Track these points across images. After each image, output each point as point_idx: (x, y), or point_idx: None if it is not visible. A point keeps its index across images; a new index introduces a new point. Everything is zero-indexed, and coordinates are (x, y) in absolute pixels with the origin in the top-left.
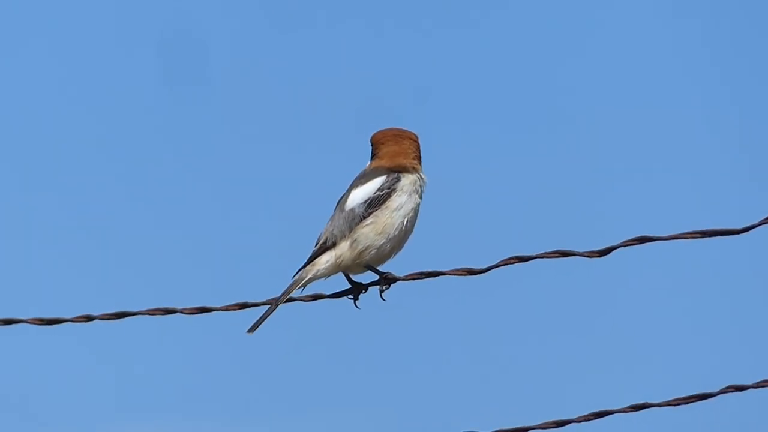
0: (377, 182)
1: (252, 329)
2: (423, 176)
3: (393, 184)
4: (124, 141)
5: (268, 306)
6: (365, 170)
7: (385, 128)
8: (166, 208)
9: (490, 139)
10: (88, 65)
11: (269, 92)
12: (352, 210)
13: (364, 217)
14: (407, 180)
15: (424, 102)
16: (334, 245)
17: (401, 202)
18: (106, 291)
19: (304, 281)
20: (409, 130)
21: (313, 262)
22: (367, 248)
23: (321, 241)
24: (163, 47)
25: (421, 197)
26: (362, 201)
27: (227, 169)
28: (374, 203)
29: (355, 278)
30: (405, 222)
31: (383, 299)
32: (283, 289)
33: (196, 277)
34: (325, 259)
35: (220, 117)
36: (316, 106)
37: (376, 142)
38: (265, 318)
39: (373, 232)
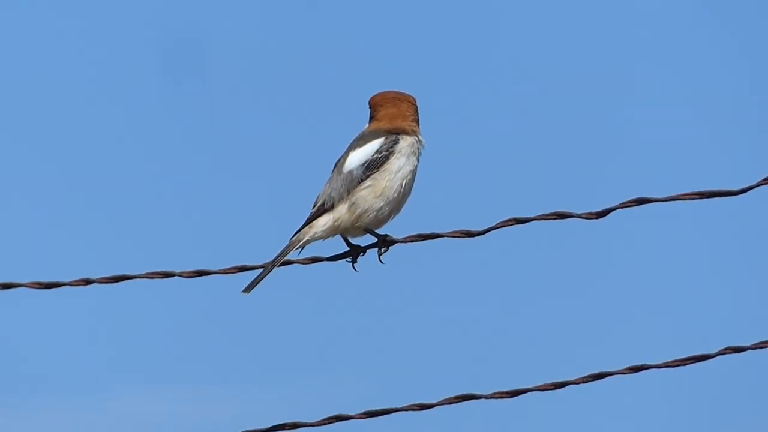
0: (375, 144)
1: (247, 290)
2: (421, 139)
3: (391, 147)
4: (124, 139)
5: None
6: (363, 132)
7: (384, 90)
8: (163, 175)
9: (487, 101)
10: (88, 65)
11: (269, 91)
12: (351, 172)
13: (363, 180)
14: (405, 142)
15: (407, 79)
16: (332, 208)
17: (400, 164)
18: (104, 254)
19: (300, 243)
20: (407, 93)
21: (310, 225)
22: (365, 211)
23: (318, 204)
24: (163, 47)
25: (418, 160)
26: (360, 163)
27: (226, 161)
28: (372, 165)
29: (354, 241)
30: (403, 184)
31: (381, 262)
32: (280, 251)
33: (194, 241)
34: (323, 222)
35: (219, 114)
36: (316, 105)
37: (375, 105)
38: (261, 279)
39: (371, 194)
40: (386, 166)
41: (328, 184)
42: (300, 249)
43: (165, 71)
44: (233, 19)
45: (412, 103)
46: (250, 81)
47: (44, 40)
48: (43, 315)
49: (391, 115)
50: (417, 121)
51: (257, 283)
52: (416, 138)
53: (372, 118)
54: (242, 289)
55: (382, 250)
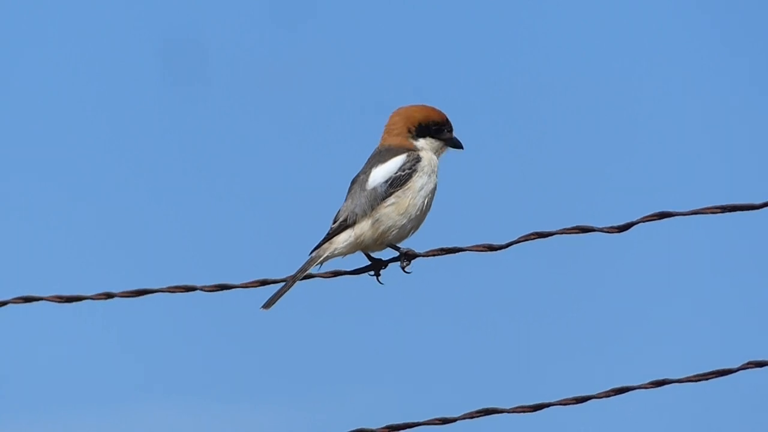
0: (398, 161)
1: (268, 305)
2: (434, 156)
3: (414, 165)
4: (124, 138)
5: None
6: (378, 148)
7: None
8: (184, 190)
9: (510, 115)
10: (88, 64)
11: (268, 90)
12: (374, 189)
13: (386, 197)
14: (425, 161)
15: (428, 92)
16: (354, 224)
17: (422, 182)
18: (125, 269)
19: (321, 259)
20: (420, 106)
21: (330, 240)
22: (390, 228)
23: (340, 219)
24: (163, 45)
25: (437, 177)
26: (384, 180)
27: (241, 164)
28: (396, 183)
29: (375, 255)
30: (425, 202)
31: (407, 272)
32: (300, 267)
33: (216, 255)
34: (344, 238)
35: (221, 114)
36: (315, 104)
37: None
38: (282, 294)
39: (395, 212)
40: (409, 183)
41: (350, 200)
42: (320, 265)
43: (165, 73)
44: (233, 19)
45: (401, 114)
46: (253, 83)
47: (43, 40)
48: (64, 329)
49: (385, 132)
50: (403, 134)
51: (277, 299)
52: (430, 155)
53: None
54: (262, 305)
55: (405, 263)
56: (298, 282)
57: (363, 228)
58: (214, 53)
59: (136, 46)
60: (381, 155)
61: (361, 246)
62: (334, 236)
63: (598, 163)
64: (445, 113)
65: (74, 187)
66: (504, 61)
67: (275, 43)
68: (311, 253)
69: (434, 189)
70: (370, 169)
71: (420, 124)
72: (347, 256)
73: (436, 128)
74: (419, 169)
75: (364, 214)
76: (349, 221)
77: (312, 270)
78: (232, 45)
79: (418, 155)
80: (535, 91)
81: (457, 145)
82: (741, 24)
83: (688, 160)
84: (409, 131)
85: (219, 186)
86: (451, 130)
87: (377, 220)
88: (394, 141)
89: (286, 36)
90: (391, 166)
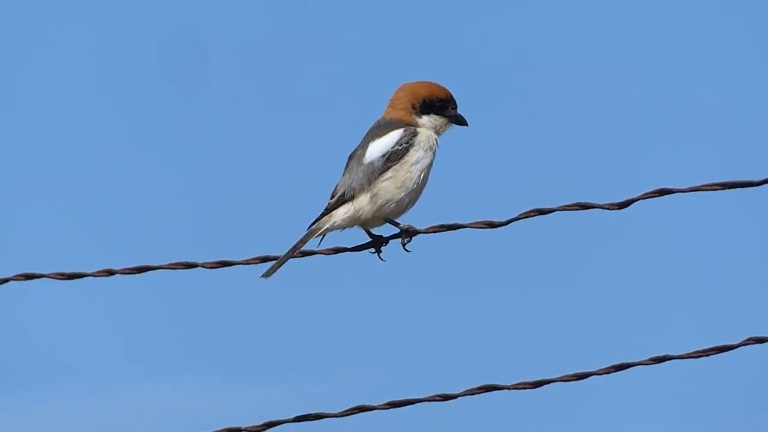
0: (395, 136)
1: (267, 275)
2: (433, 134)
3: (411, 139)
4: (123, 136)
5: (291, 258)
6: (379, 121)
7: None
8: (183, 167)
9: (509, 91)
10: (87, 64)
11: (268, 91)
12: (371, 163)
13: (384, 171)
14: (423, 135)
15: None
16: (352, 198)
17: (419, 156)
18: (126, 245)
19: (320, 231)
20: (424, 82)
21: (330, 214)
22: (387, 201)
23: (339, 194)
24: (162, 46)
25: (434, 154)
26: (381, 155)
27: (241, 151)
28: (393, 157)
29: (375, 231)
30: (421, 176)
31: (407, 250)
32: (299, 238)
33: (217, 232)
34: (343, 212)
35: (220, 113)
36: (315, 104)
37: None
38: (281, 264)
39: (393, 185)
40: (406, 158)
41: (347, 175)
42: (322, 237)
43: (164, 71)
44: (233, 18)
45: (406, 91)
46: (252, 75)
47: (43, 40)
48: (65, 306)
49: (388, 107)
50: (407, 109)
51: (277, 269)
52: (429, 132)
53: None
54: (261, 275)
55: (406, 240)
56: (298, 254)
57: (362, 202)
58: (213, 53)
59: (135, 46)
60: (379, 129)
61: (360, 221)
62: (333, 210)
63: (598, 139)
64: (449, 90)
65: (74, 167)
66: (505, 38)
67: (275, 43)
68: (310, 226)
69: (430, 164)
70: (368, 143)
71: (424, 101)
72: (347, 230)
73: (440, 105)
74: (416, 143)
75: (362, 189)
76: (347, 196)
77: (312, 244)
78: (232, 45)
79: (415, 130)
80: (535, 68)
81: (461, 121)
82: (742, 6)
83: (688, 136)
84: (414, 107)
85: (220, 165)
86: (455, 107)
87: (375, 194)
88: (395, 115)
89: (287, 36)
90: (388, 140)
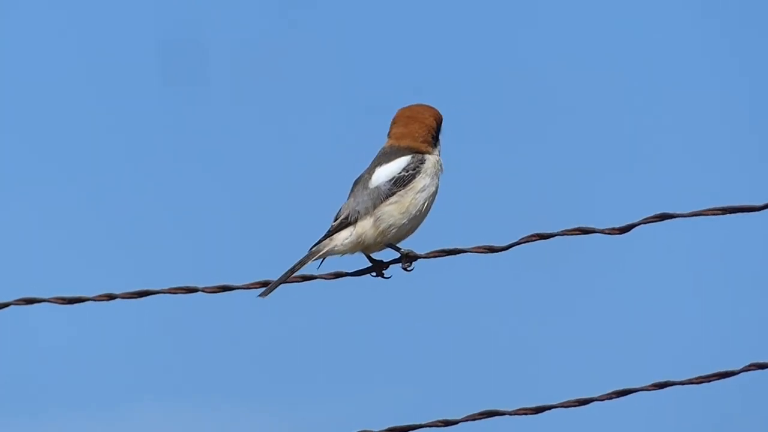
0: (402, 162)
1: (264, 293)
2: (439, 159)
3: (418, 165)
4: (123, 139)
5: (291, 283)
6: (384, 148)
7: (407, 105)
8: (185, 191)
9: (509, 116)
10: (87, 64)
11: (268, 91)
12: (377, 188)
13: (389, 196)
14: (430, 162)
15: (427, 92)
16: (356, 221)
17: (425, 183)
18: (127, 270)
19: (321, 253)
20: (429, 108)
21: (331, 237)
22: (390, 226)
23: (342, 217)
24: (161, 46)
25: (439, 180)
26: (387, 179)
27: (241, 164)
28: (399, 183)
29: (375, 256)
30: (425, 204)
31: (408, 270)
32: (298, 259)
33: (217, 256)
34: (345, 235)
35: (220, 114)
36: (316, 104)
37: (393, 121)
38: (279, 283)
39: (397, 210)
40: (413, 184)
41: (352, 198)
42: (322, 260)
43: (164, 74)
44: (233, 19)
45: (425, 122)
46: (253, 84)
47: (42, 40)
48: (65, 330)
49: (400, 135)
50: (429, 141)
51: (274, 288)
52: (437, 159)
53: (388, 134)
54: (259, 294)
55: (406, 265)
56: (298, 278)
57: (365, 226)
58: (213, 53)
59: (134, 46)
60: (386, 156)
61: (362, 245)
62: (335, 233)
63: (599, 164)
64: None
65: (75, 188)
66: (505, 60)
67: (275, 43)
68: (311, 248)
69: (435, 192)
70: (374, 168)
71: (436, 128)
72: (347, 255)
73: (440, 127)
74: (423, 170)
75: (366, 212)
76: (350, 219)
77: (311, 268)
78: (231, 45)
79: (423, 157)
80: (536, 91)
81: None
82: (743, 25)
83: (689, 161)
84: (432, 136)
85: (220, 186)
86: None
87: (378, 218)
88: (404, 143)
89: (287, 37)
90: (395, 166)
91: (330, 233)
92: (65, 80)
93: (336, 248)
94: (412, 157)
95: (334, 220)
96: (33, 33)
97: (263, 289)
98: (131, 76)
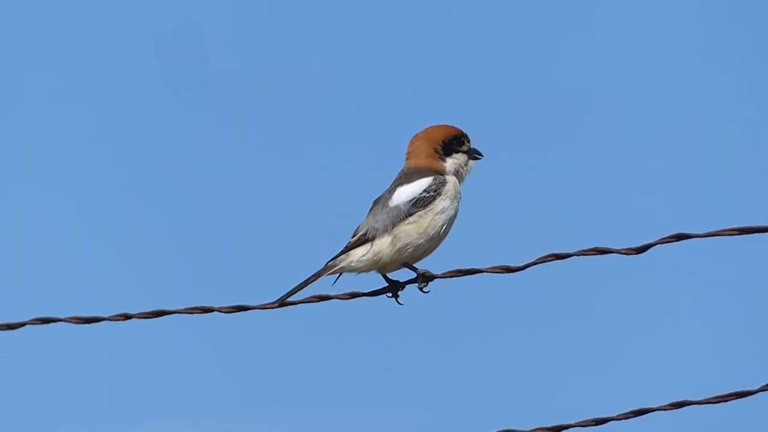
0: (423, 183)
1: (277, 301)
2: (453, 179)
3: (439, 188)
4: (123, 139)
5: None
6: (405, 169)
7: (425, 128)
8: (201, 212)
9: (527, 137)
10: (86, 65)
11: (268, 92)
12: (397, 207)
13: (408, 216)
14: (451, 185)
15: (428, 99)
16: (373, 239)
17: (445, 206)
18: (143, 290)
19: (336, 268)
20: (445, 127)
21: (348, 253)
22: (406, 245)
23: (360, 233)
24: (161, 47)
25: (459, 204)
26: (408, 200)
27: (245, 172)
28: (419, 204)
29: (391, 276)
30: (444, 226)
31: (425, 292)
32: (314, 272)
33: (234, 276)
34: (361, 252)
35: (219, 116)
36: (315, 106)
37: (410, 141)
38: (293, 293)
39: (415, 230)
40: (432, 205)
41: (371, 216)
42: (337, 276)
43: (164, 74)
44: (233, 20)
45: (422, 138)
46: (253, 86)
47: (41, 41)
48: (81, 350)
49: (408, 155)
50: (432, 155)
51: (289, 296)
52: (455, 181)
53: (406, 155)
54: (272, 301)
55: (422, 285)
56: (315, 299)
57: (382, 245)
58: (213, 54)
59: (134, 47)
60: (408, 176)
61: (378, 264)
62: (352, 249)
63: (615, 184)
64: (458, 127)
65: (91, 208)
66: (522, 80)
67: (276, 45)
68: (327, 262)
69: (455, 215)
70: (395, 188)
71: (443, 143)
72: (362, 274)
73: (456, 142)
74: (443, 192)
75: (385, 230)
76: (368, 236)
77: (326, 284)
78: (231, 46)
79: (444, 179)
80: (553, 111)
81: (476, 155)
82: (761, 42)
83: (706, 181)
84: (436, 152)
85: (237, 206)
86: (469, 141)
87: (396, 236)
88: (422, 163)
89: (287, 37)
90: (416, 187)
91: (347, 249)
92: (65, 82)
93: (352, 264)
94: (434, 179)
95: (352, 237)
96: (32, 32)
97: (279, 309)
98: (131, 75)
